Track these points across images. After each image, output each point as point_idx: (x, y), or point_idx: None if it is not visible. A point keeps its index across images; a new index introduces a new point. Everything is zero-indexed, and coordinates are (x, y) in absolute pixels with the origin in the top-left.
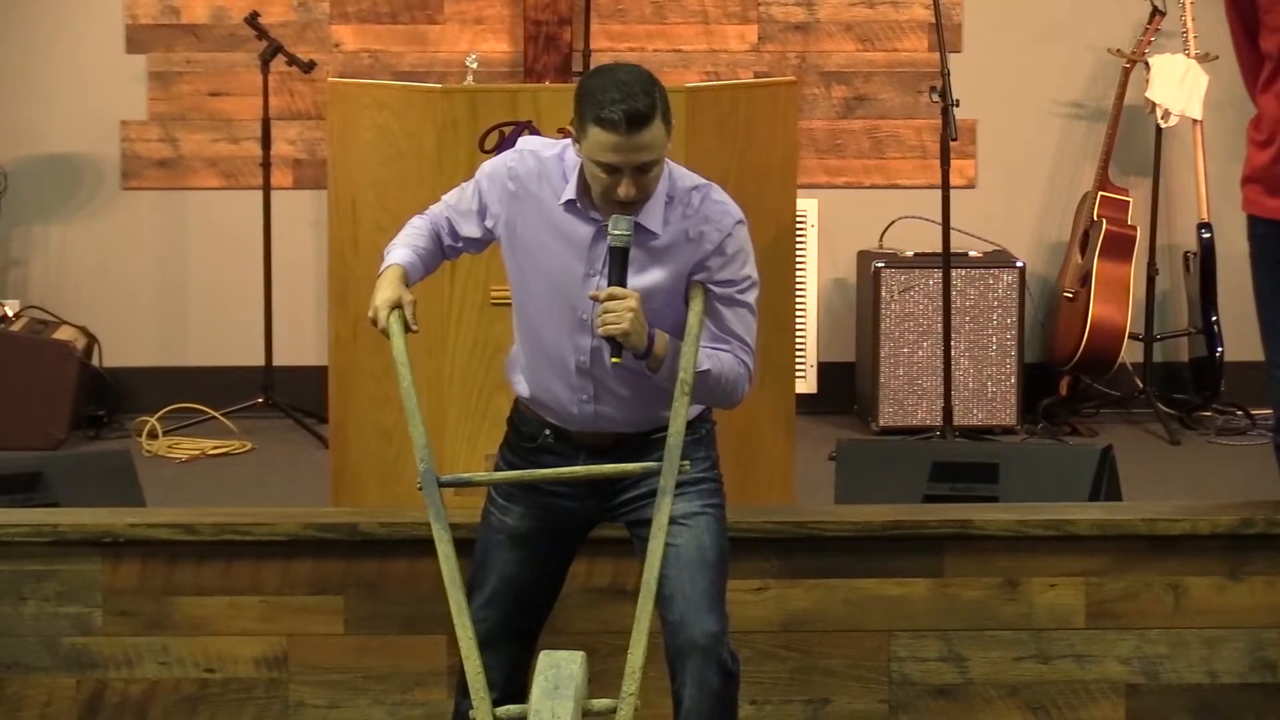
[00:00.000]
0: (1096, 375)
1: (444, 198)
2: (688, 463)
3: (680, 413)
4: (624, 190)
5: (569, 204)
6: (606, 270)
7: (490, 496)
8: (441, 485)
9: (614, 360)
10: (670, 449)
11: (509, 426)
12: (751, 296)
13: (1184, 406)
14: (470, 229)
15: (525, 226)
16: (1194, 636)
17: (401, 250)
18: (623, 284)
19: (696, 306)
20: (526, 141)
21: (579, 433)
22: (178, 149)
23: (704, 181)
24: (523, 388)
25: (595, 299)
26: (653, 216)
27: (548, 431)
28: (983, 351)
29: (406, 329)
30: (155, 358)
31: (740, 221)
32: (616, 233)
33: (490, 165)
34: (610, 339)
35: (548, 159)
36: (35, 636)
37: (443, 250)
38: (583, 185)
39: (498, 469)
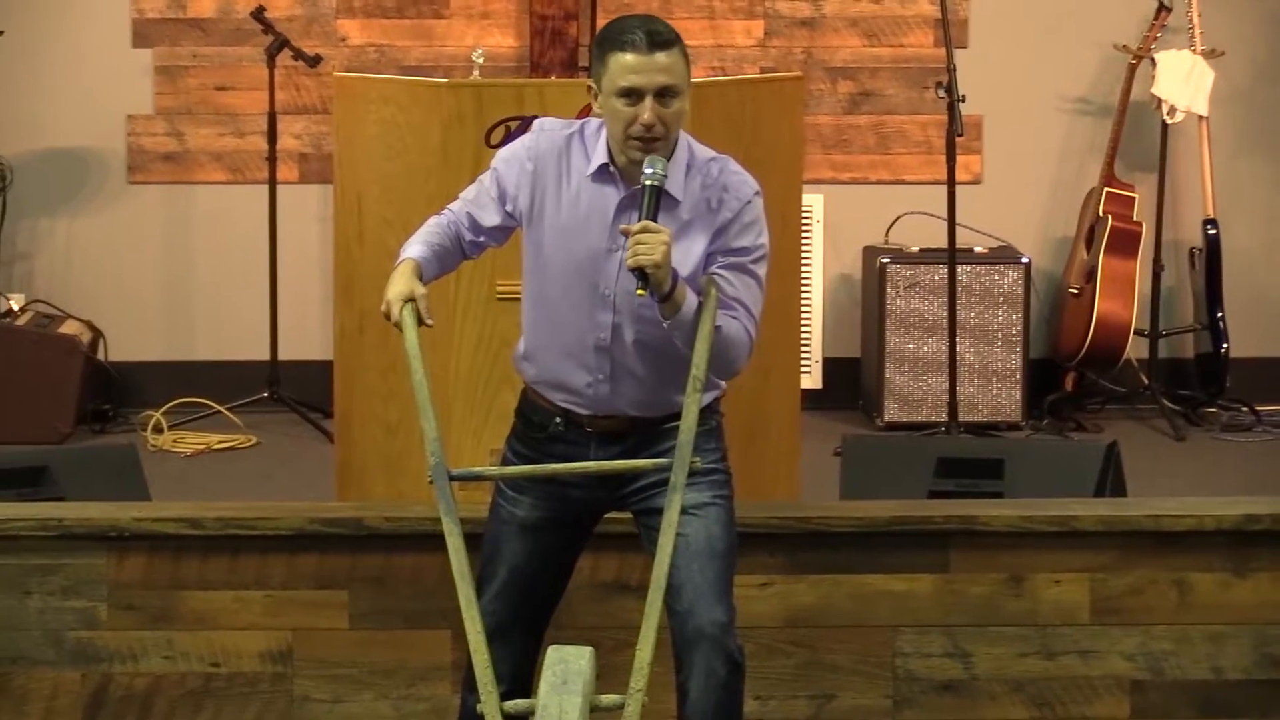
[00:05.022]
0: (1102, 371)
1: (461, 194)
2: (698, 459)
3: (692, 409)
4: (646, 116)
5: (600, 170)
6: (639, 209)
7: (499, 488)
8: (452, 479)
9: (639, 292)
10: (681, 445)
11: (517, 417)
12: (762, 269)
13: (1189, 402)
14: (491, 218)
15: (546, 205)
16: (1199, 633)
17: (417, 246)
18: (654, 220)
19: (710, 305)
20: (543, 122)
21: (591, 417)
22: (184, 143)
23: (721, 155)
24: (533, 372)
25: (626, 232)
26: (674, 182)
27: (558, 420)
28: (988, 347)
29: (420, 322)
30: (161, 352)
31: (758, 192)
32: (650, 170)
33: (507, 150)
34: (639, 272)
35: (568, 135)
36: (40, 630)
37: (462, 248)
38: (610, 153)
39: (505, 461)
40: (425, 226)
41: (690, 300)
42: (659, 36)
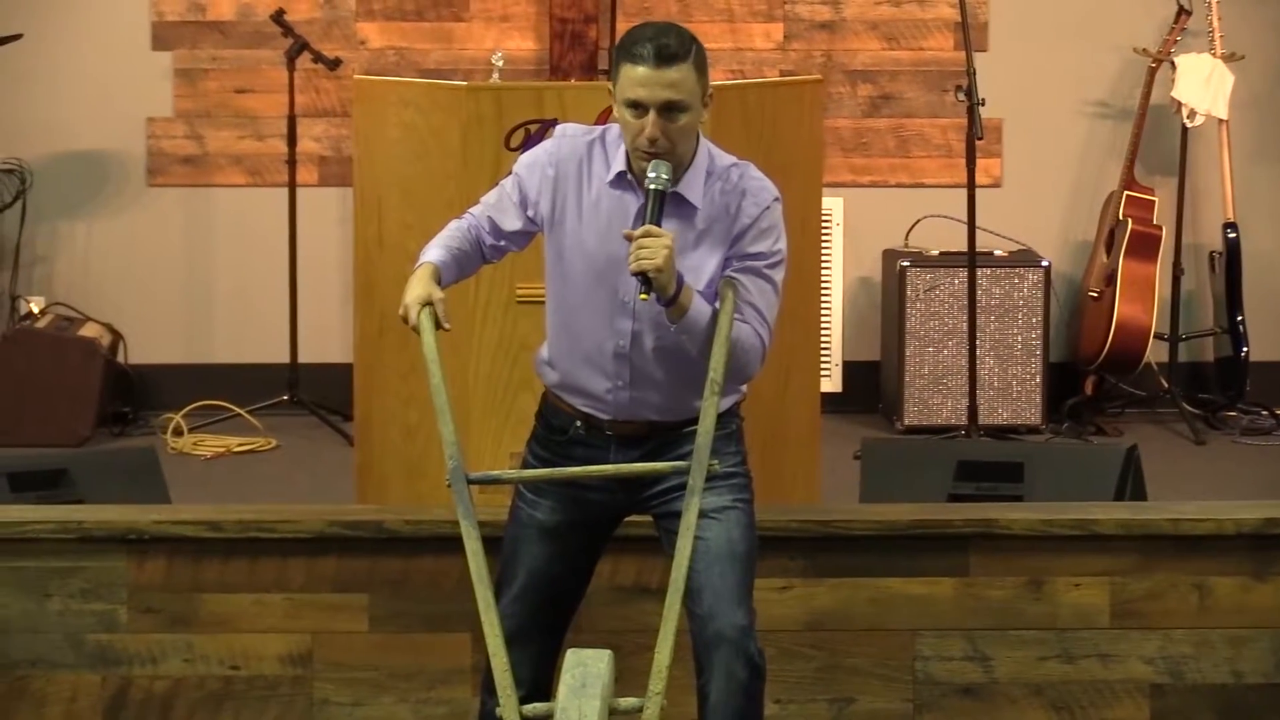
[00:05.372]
0: (1121, 375)
1: (482, 199)
2: (716, 462)
3: (710, 412)
4: (649, 130)
5: (619, 177)
6: (644, 213)
7: (519, 491)
8: (470, 482)
9: (642, 296)
10: (699, 448)
11: (538, 420)
12: (778, 274)
13: (1209, 406)
14: (512, 222)
15: (567, 211)
16: (1219, 636)
17: (435, 250)
18: (658, 225)
19: (727, 307)
20: (564, 127)
21: (611, 422)
22: (203, 146)
23: (742, 160)
24: (555, 378)
25: (629, 237)
26: (693, 189)
27: (578, 424)
28: (1008, 351)
29: (438, 326)
30: (180, 355)
31: (777, 199)
32: (654, 174)
33: (528, 155)
34: (642, 276)
35: (589, 141)
36: (60, 633)
37: (482, 252)
38: (629, 160)
39: (525, 464)
40: (445, 230)
41: (698, 304)
42: (668, 50)
